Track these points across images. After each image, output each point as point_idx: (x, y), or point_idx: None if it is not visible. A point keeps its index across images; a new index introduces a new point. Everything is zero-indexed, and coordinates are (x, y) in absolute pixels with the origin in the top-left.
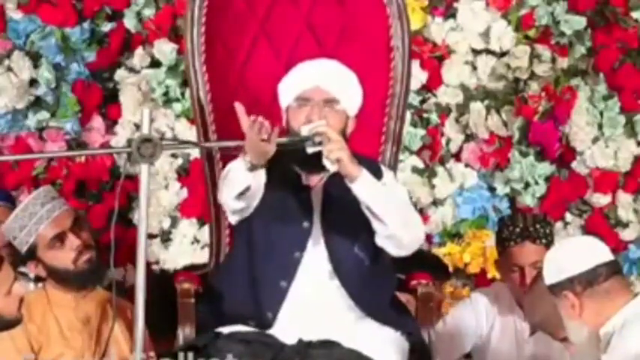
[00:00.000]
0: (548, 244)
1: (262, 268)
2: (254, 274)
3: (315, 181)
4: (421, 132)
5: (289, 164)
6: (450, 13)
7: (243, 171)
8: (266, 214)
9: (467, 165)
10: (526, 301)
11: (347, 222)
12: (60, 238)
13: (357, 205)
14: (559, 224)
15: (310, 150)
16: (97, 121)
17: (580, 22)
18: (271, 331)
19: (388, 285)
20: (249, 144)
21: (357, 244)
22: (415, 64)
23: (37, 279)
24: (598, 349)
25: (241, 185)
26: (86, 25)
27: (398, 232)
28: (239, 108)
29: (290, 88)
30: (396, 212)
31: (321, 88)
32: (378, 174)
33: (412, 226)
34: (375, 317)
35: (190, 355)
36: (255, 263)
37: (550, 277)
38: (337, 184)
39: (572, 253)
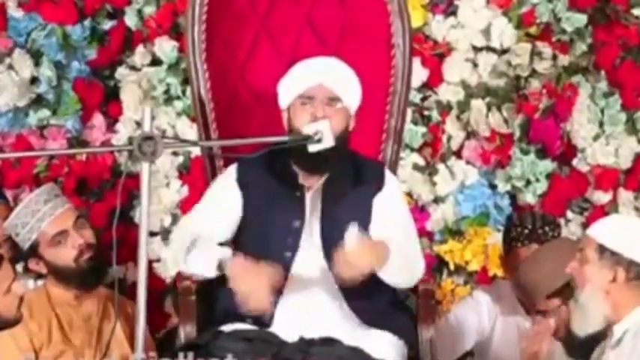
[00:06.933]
0: None
1: None
2: None
3: (314, 181)
4: (422, 129)
5: (288, 162)
6: (450, 11)
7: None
8: (257, 214)
9: (468, 162)
10: (530, 259)
11: (344, 225)
12: (62, 236)
13: (355, 208)
14: (560, 222)
15: (312, 149)
16: (98, 119)
17: (581, 19)
18: (272, 329)
19: (383, 291)
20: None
21: None
22: (416, 62)
23: (38, 276)
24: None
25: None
26: (87, 23)
27: (397, 281)
28: None
29: (292, 86)
30: (399, 270)
31: (324, 86)
32: (379, 183)
33: (411, 270)
34: (370, 324)
35: (190, 354)
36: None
37: (617, 243)
38: (338, 185)
39: None
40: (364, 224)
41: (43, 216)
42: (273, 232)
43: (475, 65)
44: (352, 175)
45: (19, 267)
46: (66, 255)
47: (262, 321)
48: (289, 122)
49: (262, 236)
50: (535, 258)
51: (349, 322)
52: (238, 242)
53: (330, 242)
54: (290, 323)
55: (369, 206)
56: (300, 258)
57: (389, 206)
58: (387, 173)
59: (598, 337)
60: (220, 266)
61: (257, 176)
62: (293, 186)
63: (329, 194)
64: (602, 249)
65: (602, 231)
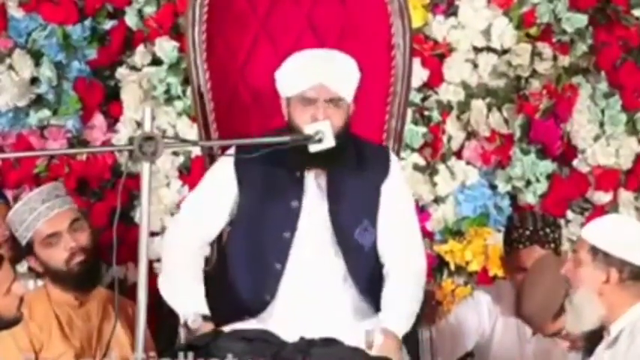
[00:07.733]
0: (556, 249)
1: (257, 250)
2: (251, 257)
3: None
4: (422, 130)
5: (289, 155)
6: (451, 11)
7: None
8: (256, 196)
9: (468, 163)
10: (523, 289)
11: (350, 206)
12: (54, 238)
13: (361, 190)
14: (560, 222)
15: (313, 149)
16: (99, 119)
17: (581, 19)
18: (271, 326)
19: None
20: None
21: (359, 230)
22: (416, 62)
23: (37, 276)
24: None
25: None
26: (87, 23)
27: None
28: None
29: (291, 82)
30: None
31: (324, 86)
32: (385, 166)
33: (414, 264)
34: (375, 307)
35: (190, 354)
36: (251, 246)
37: (609, 244)
38: (343, 166)
39: None
40: (371, 207)
41: (38, 215)
42: (271, 212)
43: (475, 66)
44: (357, 157)
45: (23, 268)
46: (57, 257)
47: (263, 305)
48: (288, 115)
49: (260, 217)
50: (526, 290)
51: (356, 308)
52: (237, 224)
53: (339, 223)
54: (292, 314)
55: (377, 191)
56: (300, 239)
57: (396, 196)
58: (392, 156)
59: (598, 333)
60: (185, 324)
61: (256, 159)
62: (293, 166)
63: (334, 174)
64: (595, 250)
65: (595, 232)
